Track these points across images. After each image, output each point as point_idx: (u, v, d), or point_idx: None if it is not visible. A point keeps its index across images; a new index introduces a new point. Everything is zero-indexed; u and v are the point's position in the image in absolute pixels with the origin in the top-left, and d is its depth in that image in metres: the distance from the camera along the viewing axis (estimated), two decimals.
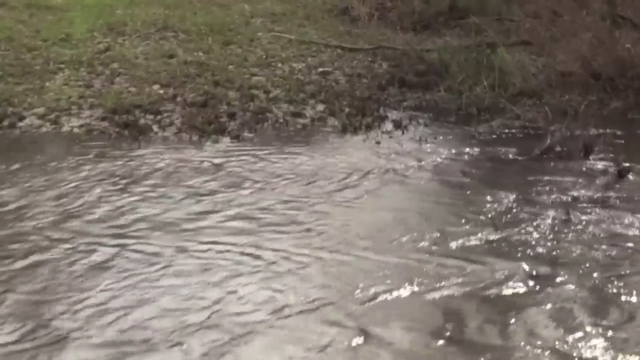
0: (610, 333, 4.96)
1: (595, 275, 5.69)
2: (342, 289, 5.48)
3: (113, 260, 5.85)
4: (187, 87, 10.18)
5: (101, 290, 5.41)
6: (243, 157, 8.16)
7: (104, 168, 7.77)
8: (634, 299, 5.38)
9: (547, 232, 6.41)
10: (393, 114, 9.69)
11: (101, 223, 6.52)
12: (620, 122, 9.32)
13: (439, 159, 8.20)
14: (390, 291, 5.43)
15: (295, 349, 4.80)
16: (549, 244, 6.22)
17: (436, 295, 5.41)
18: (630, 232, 6.41)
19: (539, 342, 4.87)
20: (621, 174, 7.66)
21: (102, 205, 6.89)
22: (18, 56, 11.14)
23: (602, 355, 4.76)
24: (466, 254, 6.04)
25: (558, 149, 8.38)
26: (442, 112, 9.86)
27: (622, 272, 5.74)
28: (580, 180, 7.58)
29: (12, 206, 6.84)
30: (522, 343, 4.86)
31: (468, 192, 7.28)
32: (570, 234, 6.39)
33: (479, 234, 6.35)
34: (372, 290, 5.43)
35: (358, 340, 4.88)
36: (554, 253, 6.08)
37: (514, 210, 6.83)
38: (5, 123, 9.03)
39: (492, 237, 6.33)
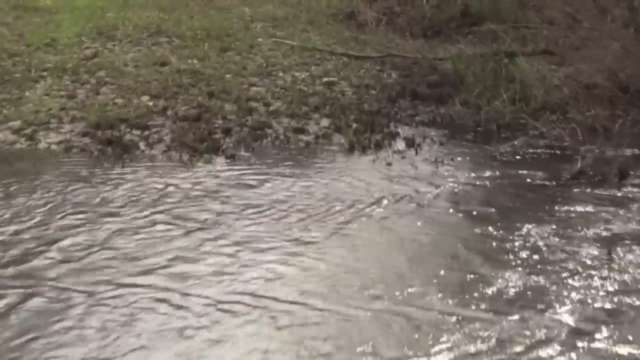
0: None
1: None
2: (351, 350, 4.60)
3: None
4: (179, 99, 9.32)
5: None
6: (238, 181, 7.30)
7: (75, 193, 6.91)
8: None
9: (588, 277, 5.54)
10: (405, 131, 8.81)
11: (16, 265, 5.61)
12: None
13: (457, 184, 7.33)
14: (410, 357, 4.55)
15: None
16: (591, 291, 5.34)
17: None
18: None
19: None
20: None
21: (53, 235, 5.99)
22: None
23: None
24: (494, 304, 5.19)
25: (590, 172, 7.47)
26: (458, 129, 8.98)
27: None
28: (619, 210, 6.70)
29: None
30: None
31: (492, 226, 6.39)
32: (616, 279, 5.51)
33: (508, 279, 5.50)
34: (391, 354, 4.55)
35: None
36: (598, 304, 5.20)
37: (546, 249, 5.97)
38: None
39: (523, 282, 5.47)
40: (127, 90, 9.52)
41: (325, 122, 8.96)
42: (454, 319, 4.98)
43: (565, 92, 9.61)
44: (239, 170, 7.58)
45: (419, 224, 6.49)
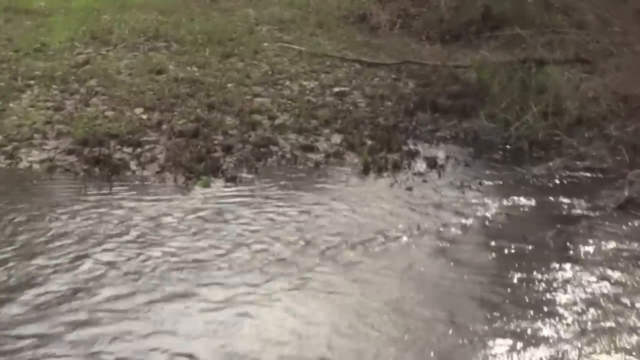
0: None
1: None
2: None
3: None
4: (175, 111, 8.46)
5: None
6: (238, 209, 6.45)
7: (49, 225, 6.03)
8: None
9: None
10: (425, 149, 7.94)
11: None
12: None
13: (487, 215, 6.46)
14: None
15: None
16: None
17: None
18: None
19: None
20: None
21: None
22: None
23: None
24: None
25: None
26: (484, 146, 8.10)
27: None
28: None
29: None
30: None
31: (530, 268, 5.50)
32: None
33: (561, 338, 4.63)
34: None
35: None
36: None
37: (601, 300, 5.08)
38: None
39: (580, 344, 4.55)
40: (119, 101, 8.68)
41: (336, 139, 8.09)
42: None
43: (602, 104, 8.66)
44: (239, 195, 6.72)
45: (445, 266, 5.60)
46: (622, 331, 4.73)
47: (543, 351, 4.50)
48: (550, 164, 7.51)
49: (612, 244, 5.91)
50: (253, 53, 10.67)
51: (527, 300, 5.09)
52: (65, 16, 12.17)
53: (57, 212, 6.25)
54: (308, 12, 13.31)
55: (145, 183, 7.01)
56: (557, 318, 4.86)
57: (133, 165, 7.33)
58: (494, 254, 5.79)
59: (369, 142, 7.98)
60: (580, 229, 6.24)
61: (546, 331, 4.71)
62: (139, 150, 7.60)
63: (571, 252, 5.81)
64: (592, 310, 4.95)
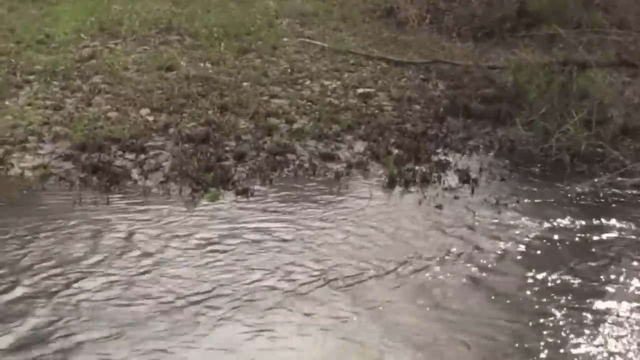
0: None
1: None
2: None
3: None
4: (185, 113, 7.81)
5: None
6: (247, 228, 5.77)
7: (36, 245, 5.35)
8: None
9: None
10: (456, 160, 7.26)
11: None
12: None
13: (526, 239, 5.78)
14: None
15: None
16: None
17: None
18: None
19: None
20: None
21: None
22: None
23: None
24: None
25: None
26: (521, 158, 7.42)
27: None
28: None
29: None
30: None
31: (579, 305, 4.80)
32: None
33: None
34: None
35: None
36: None
37: None
38: None
39: None
40: (124, 100, 8.05)
41: (359, 146, 7.44)
42: None
43: None
44: (251, 214, 6.03)
45: (481, 300, 4.92)
46: None
47: None
48: (595, 180, 6.78)
49: None
50: (272, 49, 10.05)
51: (572, 345, 4.37)
52: (73, 5, 11.59)
53: (41, 235, 5.56)
54: (332, 4, 12.71)
55: (147, 196, 6.33)
56: None
57: (135, 174, 6.70)
58: (536, 289, 5.08)
59: (395, 151, 7.33)
60: (633, 258, 5.51)
61: None
62: (142, 156, 6.97)
63: (625, 287, 5.09)
64: None
